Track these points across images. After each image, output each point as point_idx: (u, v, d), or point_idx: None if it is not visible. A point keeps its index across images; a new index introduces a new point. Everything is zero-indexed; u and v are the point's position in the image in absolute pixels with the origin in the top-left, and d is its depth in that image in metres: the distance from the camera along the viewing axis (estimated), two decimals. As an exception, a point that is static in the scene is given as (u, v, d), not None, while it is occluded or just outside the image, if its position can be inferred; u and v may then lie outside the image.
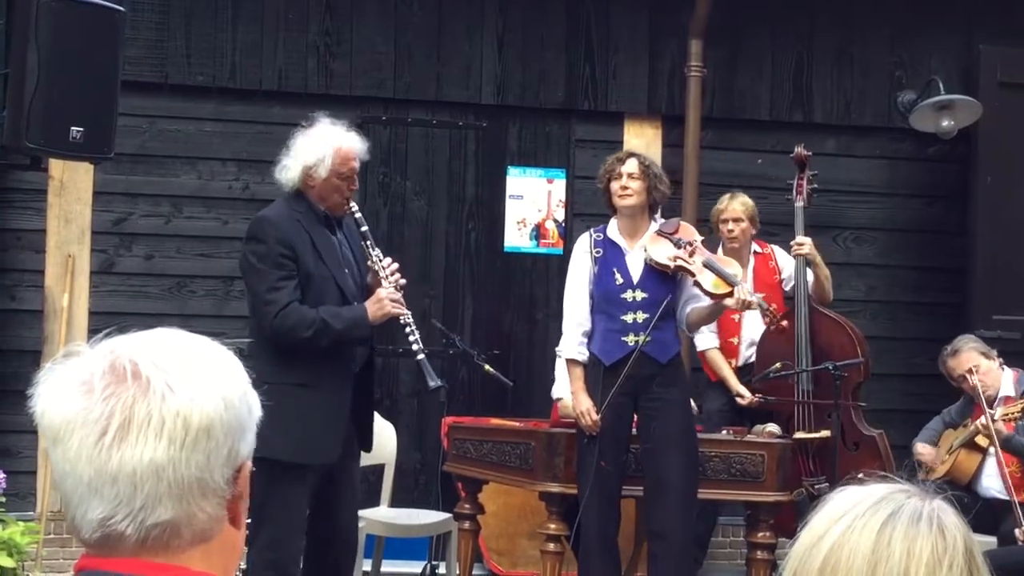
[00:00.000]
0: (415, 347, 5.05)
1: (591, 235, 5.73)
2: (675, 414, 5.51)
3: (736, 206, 6.81)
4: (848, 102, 8.02)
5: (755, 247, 6.93)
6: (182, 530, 1.45)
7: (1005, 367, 6.41)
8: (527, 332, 7.68)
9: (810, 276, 6.68)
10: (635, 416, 5.57)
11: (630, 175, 5.56)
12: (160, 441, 1.43)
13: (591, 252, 5.66)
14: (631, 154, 5.74)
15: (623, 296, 5.54)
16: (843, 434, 6.43)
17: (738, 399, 6.62)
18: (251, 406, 1.53)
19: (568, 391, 6.57)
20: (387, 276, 5.04)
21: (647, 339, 5.44)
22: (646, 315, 5.48)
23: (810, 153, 6.83)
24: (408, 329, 5.05)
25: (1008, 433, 5.96)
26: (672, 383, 5.55)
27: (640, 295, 5.52)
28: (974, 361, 6.30)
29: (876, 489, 1.48)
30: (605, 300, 5.58)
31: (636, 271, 5.57)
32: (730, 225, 6.79)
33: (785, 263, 6.88)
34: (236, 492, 1.50)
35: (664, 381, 5.50)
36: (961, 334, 6.69)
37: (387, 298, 4.96)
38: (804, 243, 6.68)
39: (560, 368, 6.68)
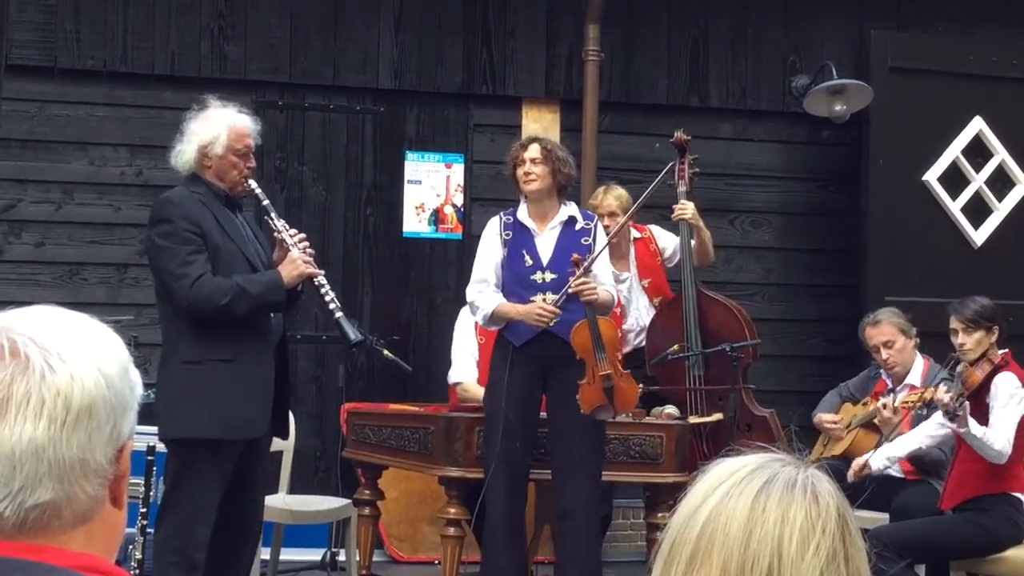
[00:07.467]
0: (331, 306, 5.03)
1: (501, 218, 5.76)
2: None
3: (611, 201, 6.62)
4: (743, 87, 8.10)
5: (634, 232, 6.78)
6: (63, 511, 1.42)
7: (919, 353, 6.32)
8: (426, 318, 7.65)
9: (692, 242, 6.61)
10: (543, 398, 5.59)
11: (532, 160, 5.61)
12: (40, 421, 1.39)
13: (500, 235, 5.69)
14: (533, 139, 5.77)
15: (532, 277, 5.58)
16: (735, 415, 6.48)
17: None
18: (133, 384, 1.49)
19: (463, 375, 6.59)
20: (295, 244, 5.02)
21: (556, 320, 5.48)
22: (555, 296, 5.51)
23: (689, 138, 6.63)
24: (323, 289, 5.02)
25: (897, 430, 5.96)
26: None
27: (549, 276, 5.55)
28: (891, 335, 6.27)
29: (752, 459, 1.51)
30: (515, 282, 5.62)
31: (545, 253, 5.62)
32: (606, 220, 6.40)
33: (666, 242, 6.80)
34: (118, 472, 1.47)
35: (574, 362, 5.52)
36: (862, 315, 6.67)
37: (299, 259, 4.95)
38: (687, 206, 6.52)
39: (457, 352, 6.67)
